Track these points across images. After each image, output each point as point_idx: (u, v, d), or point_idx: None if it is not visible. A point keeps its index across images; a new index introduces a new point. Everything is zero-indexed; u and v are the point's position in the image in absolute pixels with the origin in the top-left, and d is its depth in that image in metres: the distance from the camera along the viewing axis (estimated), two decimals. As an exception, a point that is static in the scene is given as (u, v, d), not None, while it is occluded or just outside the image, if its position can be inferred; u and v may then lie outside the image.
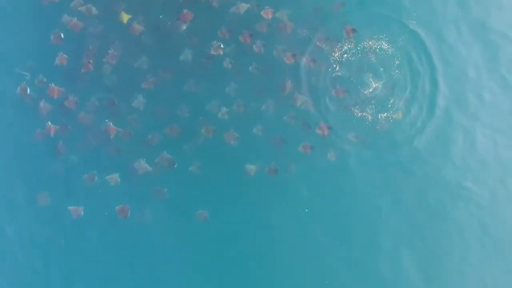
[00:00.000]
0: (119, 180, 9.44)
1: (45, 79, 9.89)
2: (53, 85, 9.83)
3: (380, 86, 9.93)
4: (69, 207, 9.38)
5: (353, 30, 10.10)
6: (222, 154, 9.65)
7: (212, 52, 9.94)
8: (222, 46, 9.94)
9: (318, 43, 10.08)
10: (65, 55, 9.96)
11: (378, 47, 10.11)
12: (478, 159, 9.84)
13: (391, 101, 9.92)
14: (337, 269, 9.31)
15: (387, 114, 9.87)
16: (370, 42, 10.14)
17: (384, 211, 9.54)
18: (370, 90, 9.93)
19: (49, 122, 9.72)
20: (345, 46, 10.08)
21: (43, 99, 9.80)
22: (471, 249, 9.50)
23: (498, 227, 9.59)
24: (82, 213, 9.36)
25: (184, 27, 10.00)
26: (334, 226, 9.48)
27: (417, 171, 9.75)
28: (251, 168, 9.49)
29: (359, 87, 9.97)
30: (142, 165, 9.46)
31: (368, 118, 9.87)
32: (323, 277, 9.25)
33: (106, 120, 9.69)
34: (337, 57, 10.07)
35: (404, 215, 9.56)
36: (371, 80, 9.97)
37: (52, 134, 9.68)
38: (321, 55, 10.05)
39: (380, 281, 9.30)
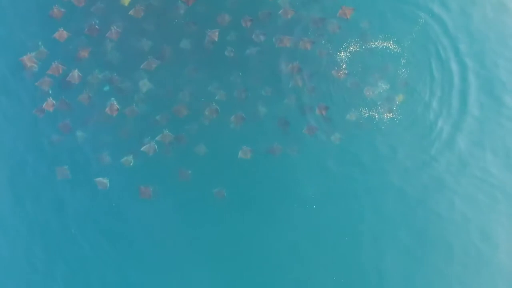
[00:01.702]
0: (132, 161, 9.46)
1: (46, 50, 9.83)
2: (56, 62, 9.78)
3: (388, 87, 9.94)
4: (96, 179, 9.37)
5: (350, 10, 10.17)
6: (226, 136, 9.67)
7: (208, 40, 9.97)
8: (217, 33, 9.94)
9: (314, 24, 10.18)
10: (65, 31, 9.88)
11: (385, 45, 10.11)
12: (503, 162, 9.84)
13: (397, 102, 9.89)
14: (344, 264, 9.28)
15: (392, 114, 9.85)
16: (376, 43, 10.12)
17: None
18: (377, 92, 9.92)
19: (50, 97, 9.63)
20: (351, 47, 10.06)
21: (46, 76, 9.76)
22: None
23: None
24: (108, 184, 9.35)
25: (183, 11, 10.01)
26: (340, 218, 9.48)
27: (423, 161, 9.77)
28: (246, 150, 9.52)
29: (365, 87, 9.96)
30: (152, 147, 9.47)
31: (375, 116, 9.84)
32: (330, 273, 9.19)
33: (112, 98, 9.65)
34: (343, 57, 10.04)
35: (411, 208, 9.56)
36: (377, 80, 9.98)
37: (51, 110, 9.59)
38: (325, 47, 10.13)
39: (384, 277, 9.24)
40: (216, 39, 9.90)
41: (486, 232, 9.39)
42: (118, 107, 9.58)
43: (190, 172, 9.41)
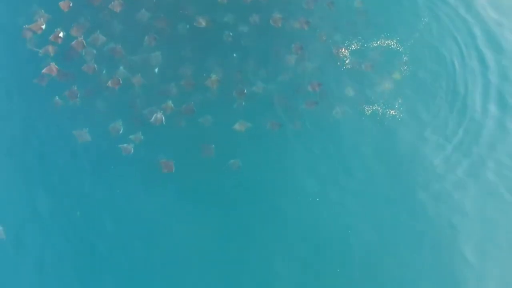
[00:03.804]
0: (142, 137, 9.38)
1: (46, 15, 9.85)
2: (58, 29, 9.80)
3: (390, 86, 10.02)
4: (120, 145, 9.26)
5: None
6: (229, 112, 9.72)
7: (196, 24, 10.17)
8: (205, 19, 10.22)
9: (306, 5, 10.49)
10: (68, 0, 10.01)
11: (388, 43, 10.24)
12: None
13: (399, 101, 9.94)
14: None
15: (395, 112, 9.89)
16: (379, 42, 10.24)
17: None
18: (382, 88, 9.99)
19: (51, 63, 9.56)
20: (353, 45, 10.16)
21: (49, 43, 9.75)
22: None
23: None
24: (132, 150, 9.24)
25: None
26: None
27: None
28: (242, 123, 9.55)
29: (368, 83, 10.05)
30: (159, 117, 9.51)
31: (379, 111, 9.87)
32: (334, 266, 8.98)
33: (121, 67, 9.69)
34: (345, 53, 10.14)
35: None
36: (380, 75, 10.05)
37: (53, 75, 9.53)
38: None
39: (388, 273, 9.05)
40: (204, 23, 10.13)
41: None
42: (120, 79, 9.58)
43: (213, 146, 9.36)
